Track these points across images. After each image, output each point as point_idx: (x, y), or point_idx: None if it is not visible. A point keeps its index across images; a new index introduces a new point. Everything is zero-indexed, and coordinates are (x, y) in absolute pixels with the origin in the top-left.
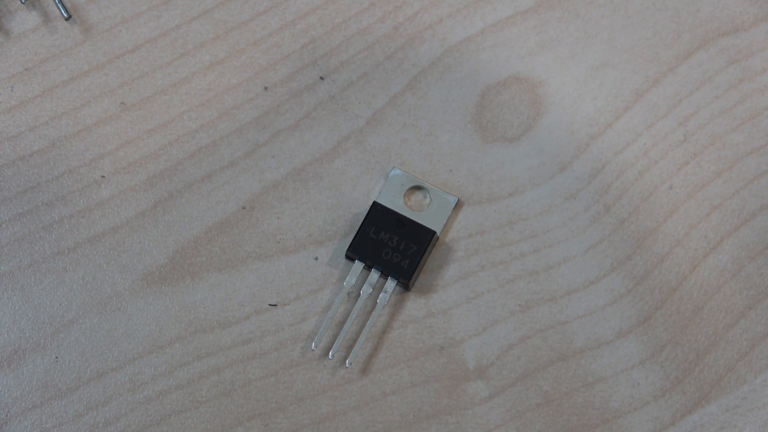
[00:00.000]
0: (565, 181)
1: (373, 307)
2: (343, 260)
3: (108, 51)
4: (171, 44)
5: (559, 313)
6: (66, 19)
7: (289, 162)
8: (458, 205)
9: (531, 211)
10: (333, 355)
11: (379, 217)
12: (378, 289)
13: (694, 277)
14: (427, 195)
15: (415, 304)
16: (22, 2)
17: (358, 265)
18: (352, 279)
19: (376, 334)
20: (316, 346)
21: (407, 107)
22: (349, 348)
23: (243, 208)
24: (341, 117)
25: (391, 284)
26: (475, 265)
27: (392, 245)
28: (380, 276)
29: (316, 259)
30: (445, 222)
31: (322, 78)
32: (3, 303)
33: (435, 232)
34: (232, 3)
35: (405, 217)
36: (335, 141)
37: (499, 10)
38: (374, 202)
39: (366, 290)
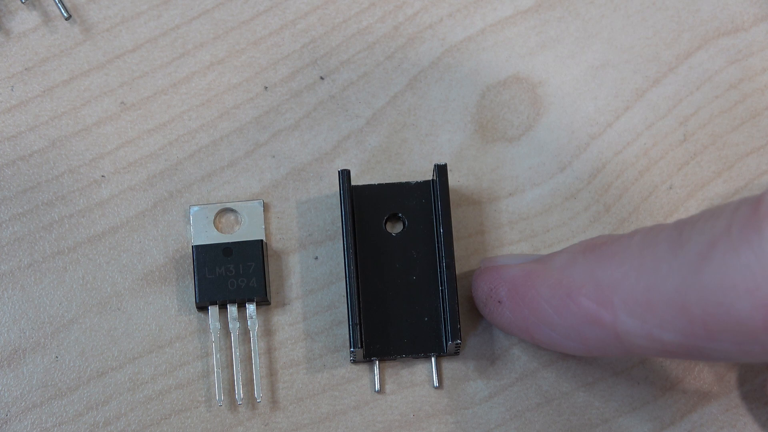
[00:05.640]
0: (565, 181)
1: (249, 336)
2: (196, 312)
3: (108, 51)
4: (171, 44)
5: None
6: (66, 19)
7: (289, 162)
8: (457, 205)
9: (531, 211)
10: (240, 399)
11: (204, 257)
12: (243, 319)
13: None
14: (234, 213)
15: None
16: (22, 2)
17: (213, 310)
18: (215, 323)
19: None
20: (220, 400)
21: (407, 107)
22: (251, 384)
23: None
24: (341, 117)
25: (251, 308)
26: (474, 264)
27: (232, 274)
28: (238, 307)
29: (316, 258)
30: (263, 227)
31: (322, 78)
32: (3, 303)
33: (261, 240)
34: (232, 3)
35: (226, 243)
36: (335, 141)
37: (499, 10)
38: (193, 246)
39: (234, 326)
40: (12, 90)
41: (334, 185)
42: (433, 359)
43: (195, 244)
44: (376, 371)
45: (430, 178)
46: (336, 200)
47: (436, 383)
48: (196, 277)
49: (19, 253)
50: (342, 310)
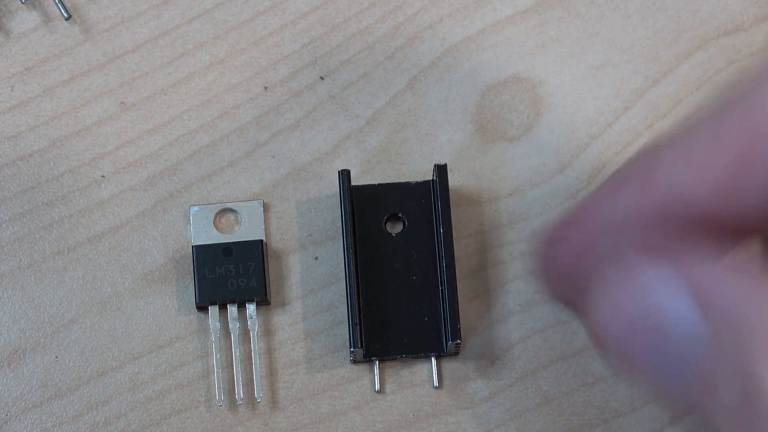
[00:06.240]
0: (565, 181)
1: (249, 336)
2: (196, 312)
3: (108, 51)
4: (171, 44)
5: (559, 313)
6: (66, 19)
7: (289, 162)
8: (457, 205)
9: (531, 211)
10: (240, 399)
11: (204, 257)
12: (243, 319)
13: None
14: (234, 213)
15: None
16: (22, 2)
17: (213, 310)
18: (215, 324)
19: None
20: (220, 400)
21: (407, 107)
22: (251, 384)
23: None
24: (341, 117)
25: (251, 308)
26: (474, 264)
27: (232, 274)
28: (238, 307)
29: (316, 258)
30: (263, 227)
31: (322, 78)
32: (3, 303)
33: (261, 240)
34: (232, 3)
35: (226, 243)
36: (335, 141)
37: (499, 10)
38: (193, 246)
39: (233, 326)
40: (12, 90)
41: (334, 185)
42: (433, 359)
43: (195, 244)
44: (376, 371)
45: (430, 178)
46: (336, 200)
47: (436, 383)
48: (196, 277)
49: (19, 253)
50: (342, 310)
